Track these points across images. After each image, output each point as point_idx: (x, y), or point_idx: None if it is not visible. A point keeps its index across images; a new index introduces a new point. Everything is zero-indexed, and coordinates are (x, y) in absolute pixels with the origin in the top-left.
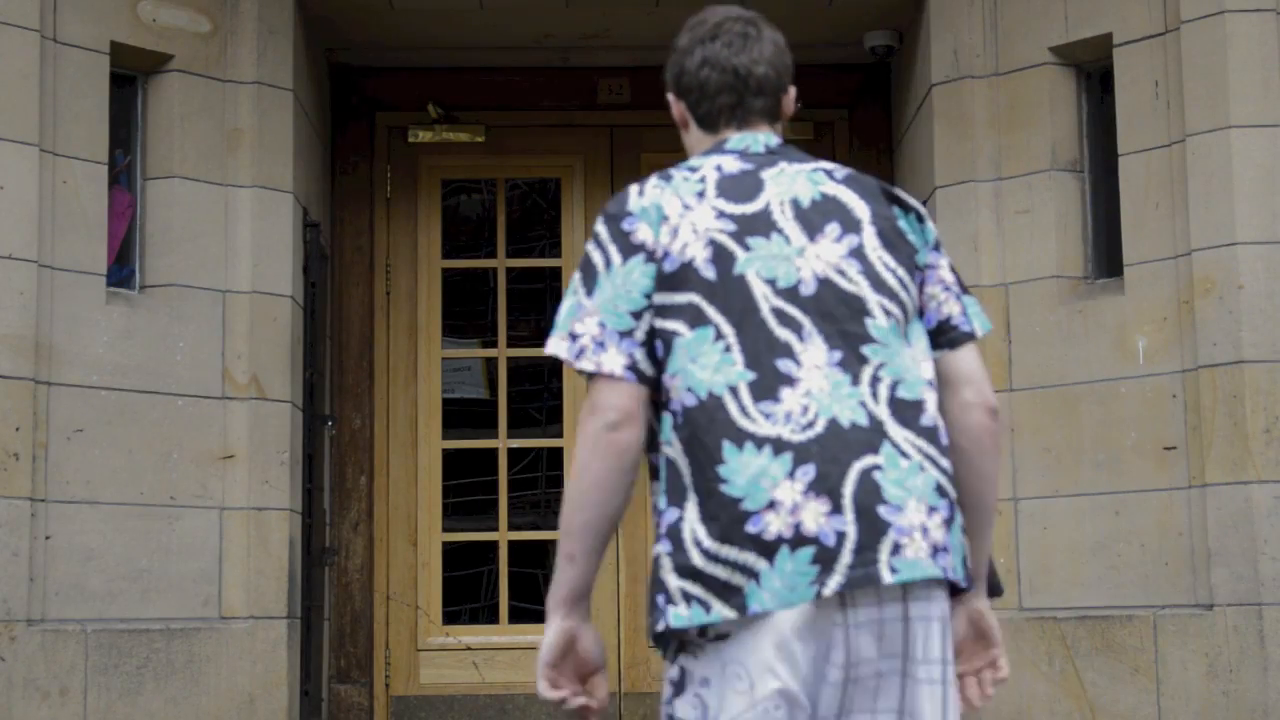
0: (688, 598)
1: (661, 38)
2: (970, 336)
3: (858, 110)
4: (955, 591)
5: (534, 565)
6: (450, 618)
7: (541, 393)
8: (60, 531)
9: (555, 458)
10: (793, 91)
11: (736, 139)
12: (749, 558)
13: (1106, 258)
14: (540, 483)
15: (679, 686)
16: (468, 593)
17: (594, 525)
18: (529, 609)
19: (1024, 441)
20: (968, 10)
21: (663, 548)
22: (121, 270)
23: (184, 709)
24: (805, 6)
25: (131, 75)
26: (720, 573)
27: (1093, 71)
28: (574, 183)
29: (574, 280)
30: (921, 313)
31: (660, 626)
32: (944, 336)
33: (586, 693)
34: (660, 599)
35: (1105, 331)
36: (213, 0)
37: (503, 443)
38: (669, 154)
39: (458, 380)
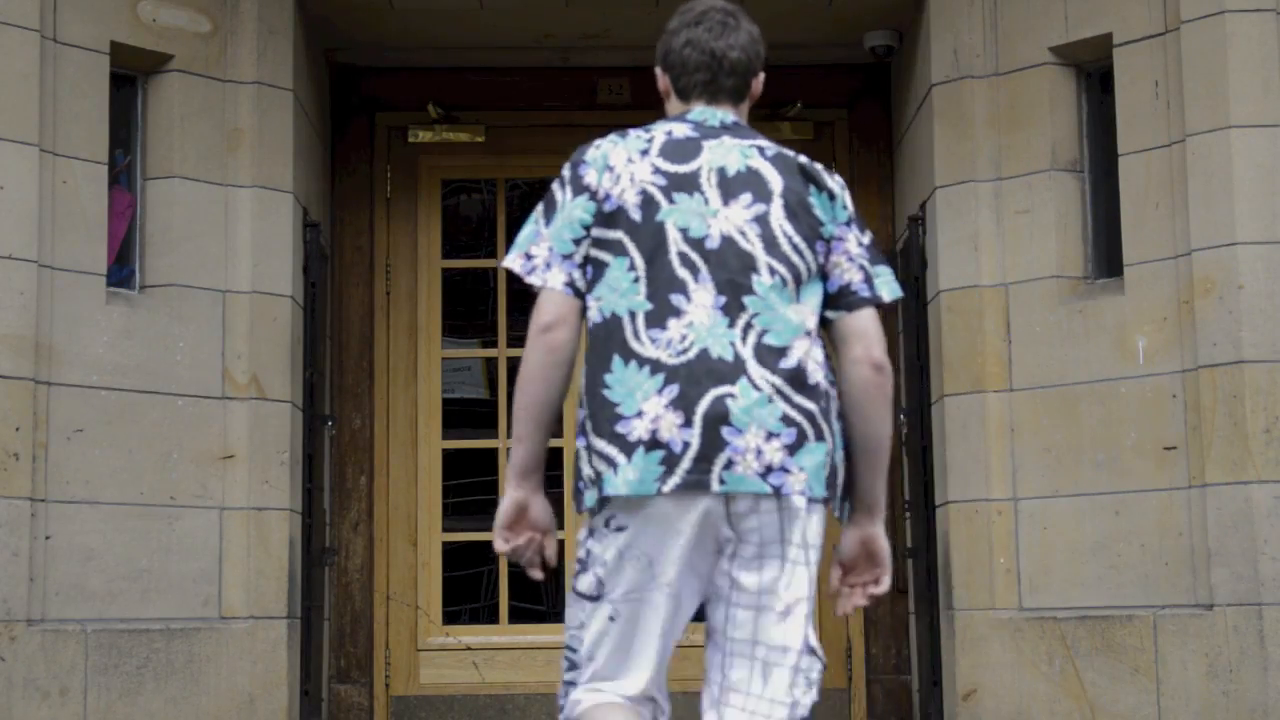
0: (592, 484)
1: None
2: (867, 302)
3: (858, 110)
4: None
5: None
6: (450, 618)
7: None
8: (60, 531)
9: (555, 457)
10: (761, 77)
11: (698, 111)
12: (613, 452)
13: (1106, 258)
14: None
15: (583, 565)
16: (468, 593)
17: (533, 408)
18: (529, 609)
19: (1024, 441)
20: (968, 10)
21: (579, 441)
22: (121, 270)
23: (184, 709)
24: (805, 6)
25: (131, 75)
26: (597, 463)
27: (1093, 71)
28: None
29: (537, 210)
30: (826, 277)
31: (580, 508)
32: (843, 300)
33: (537, 549)
34: (579, 484)
35: (1105, 331)
36: (213, 0)
37: (503, 443)
38: None
39: (458, 380)
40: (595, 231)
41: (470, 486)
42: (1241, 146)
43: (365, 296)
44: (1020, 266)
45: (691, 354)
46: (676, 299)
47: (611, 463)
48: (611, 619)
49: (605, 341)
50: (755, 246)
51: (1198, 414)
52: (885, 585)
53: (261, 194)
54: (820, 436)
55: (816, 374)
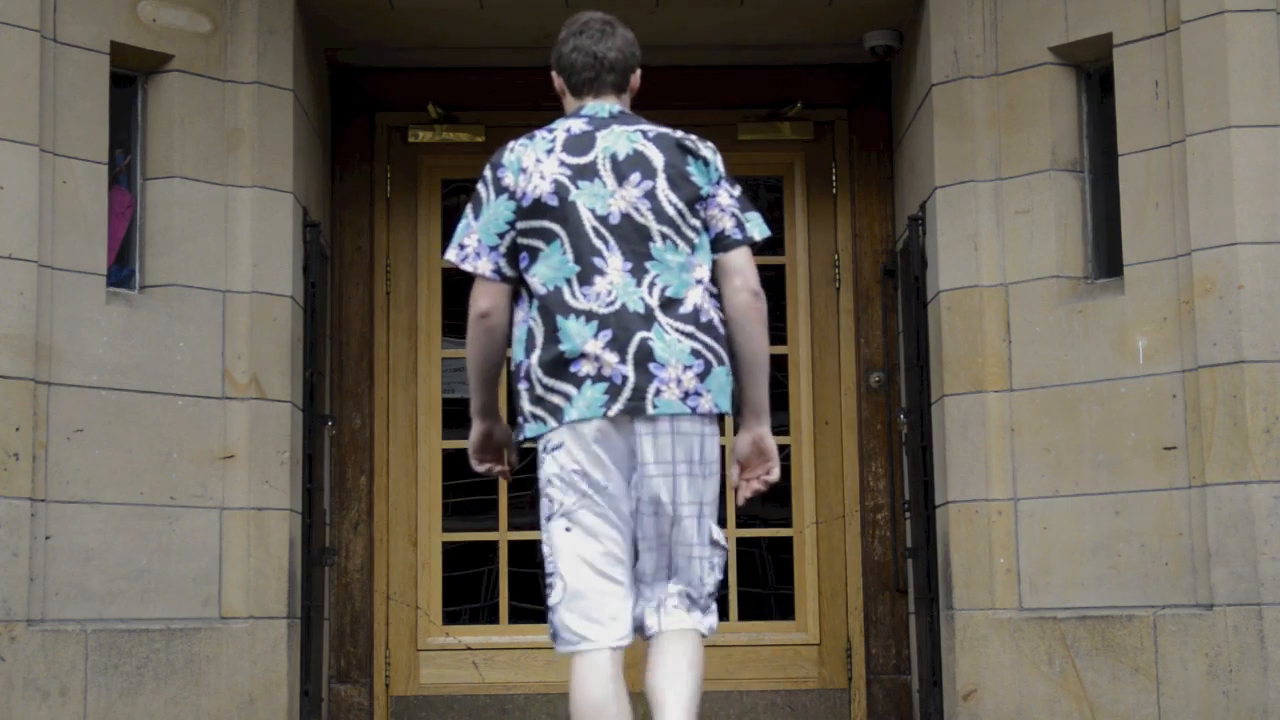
0: (535, 417)
1: (662, 38)
2: (740, 242)
3: (858, 110)
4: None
5: (534, 565)
6: (450, 618)
7: None
8: (60, 531)
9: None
10: (639, 73)
11: (590, 106)
12: (568, 388)
13: (1106, 258)
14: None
15: (539, 494)
16: (468, 593)
17: (483, 372)
18: (529, 609)
19: (1024, 441)
20: (968, 10)
21: (520, 385)
22: (121, 270)
23: (184, 709)
24: (805, 6)
25: (131, 75)
26: (551, 398)
27: (1093, 71)
28: None
29: (468, 206)
30: (708, 227)
31: (520, 438)
32: (720, 243)
33: (502, 461)
34: (520, 419)
35: (1105, 331)
36: (213, 0)
37: None
38: None
39: (458, 380)
40: (520, 224)
41: (470, 486)
42: (1241, 146)
43: (365, 296)
44: (1020, 266)
45: (616, 305)
46: (598, 262)
47: (566, 396)
48: (568, 530)
49: (552, 307)
50: (648, 219)
51: (1198, 414)
52: (775, 475)
53: (261, 194)
54: (720, 361)
55: (710, 313)
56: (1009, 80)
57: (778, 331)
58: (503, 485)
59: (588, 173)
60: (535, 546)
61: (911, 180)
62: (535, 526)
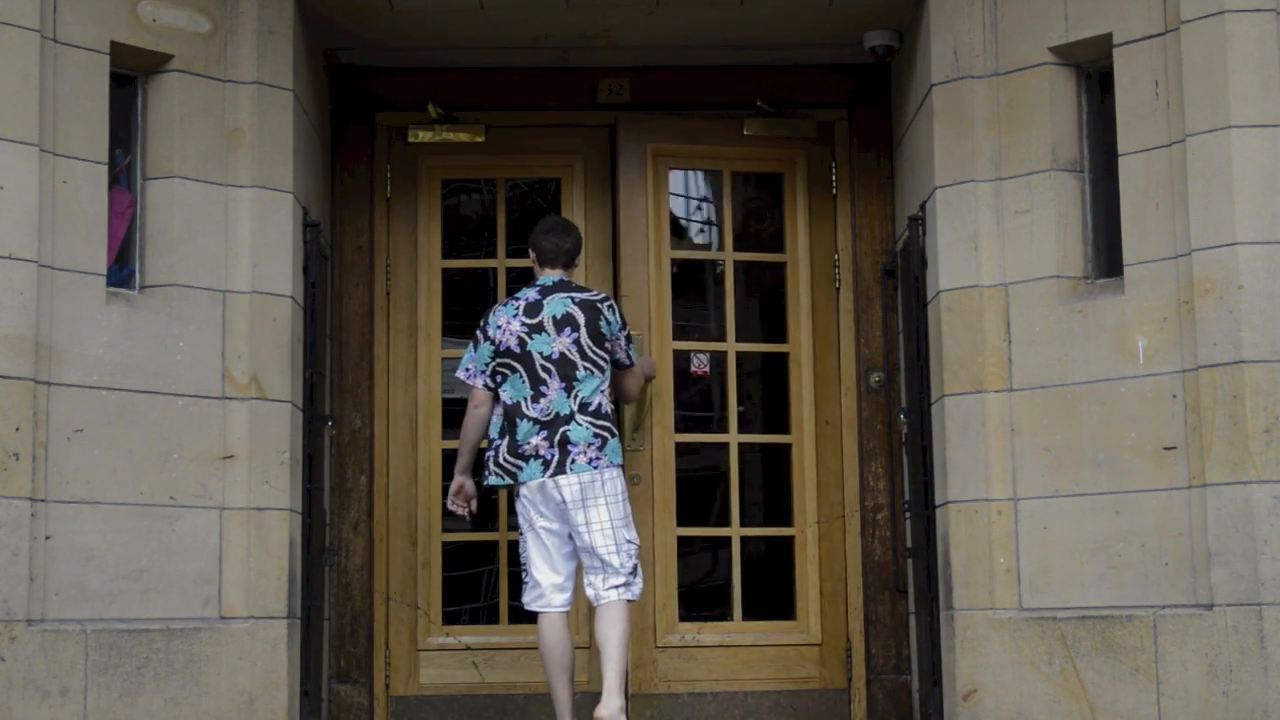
0: (498, 474)
1: (662, 37)
2: (628, 365)
3: (858, 110)
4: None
5: None
6: (450, 618)
7: None
8: (60, 531)
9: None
10: (581, 255)
11: (545, 276)
12: (520, 462)
13: (1106, 258)
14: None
15: (519, 520)
16: (468, 593)
17: (468, 443)
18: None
19: (1024, 441)
20: (968, 10)
21: (490, 453)
22: (121, 270)
23: (184, 709)
24: (805, 6)
25: (131, 75)
26: (510, 466)
27: (1093, 71)
28: (574, 183)
29: (470, 342)
30: (611, 357)
31: (486, 483)
32: (618, 365)
33: (468, 505)
34: (486, 472)
35: (1105, 331)
36: (213, 0)
37: None
38: (669, 154)
39: (458, 380)
40: (497, 361)
41: None
42: (1241, 146)
43: (365, 296)
44: (1020, 266)
45: (551, 414)
46: (543, 388)
47: (519, 467)
48: (529, 541)
49: (513, 413)
50: (575, 357)
51: (1198, 414)
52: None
53: (261, 194)
54: (613, 435)
55: (606, 406)
56: (1009, 80)
57: (778, 330)
58: None
59: (538, 329)
60: None
61: (911, 180)
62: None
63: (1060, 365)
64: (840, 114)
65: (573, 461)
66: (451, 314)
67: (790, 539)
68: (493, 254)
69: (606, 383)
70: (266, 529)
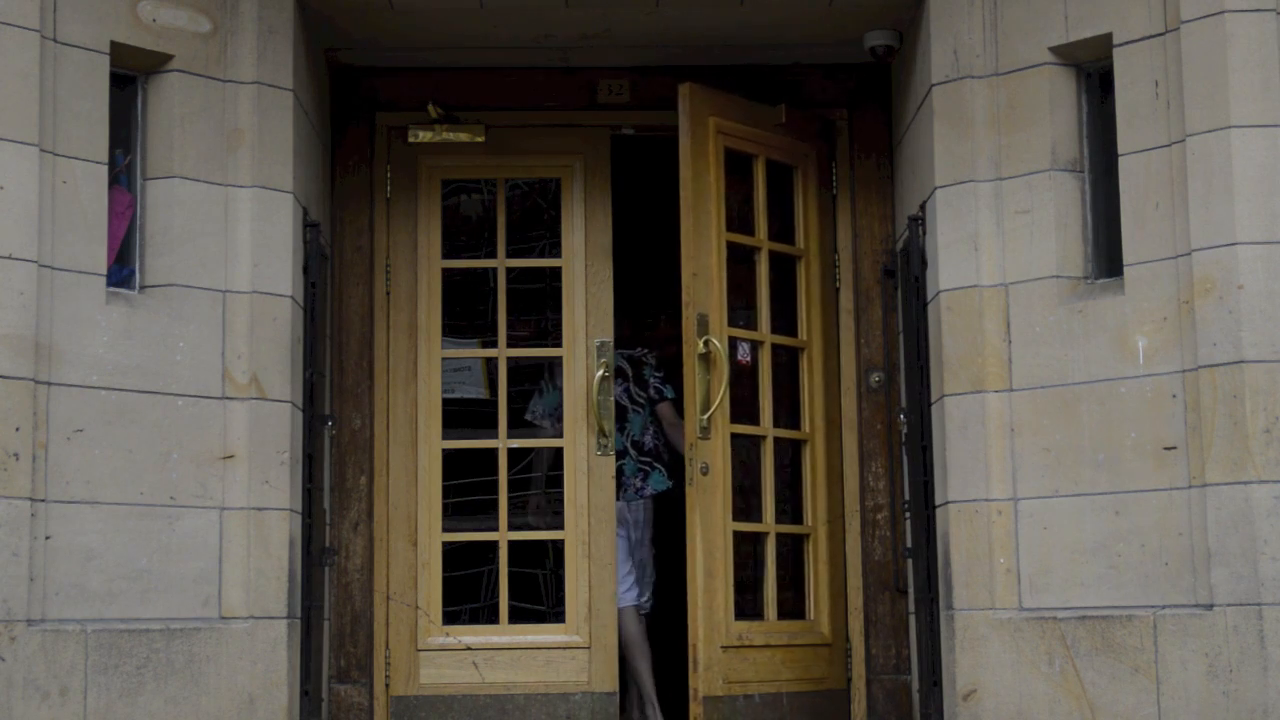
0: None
1: (662, 38)
2: (663, 399)
3: (858, 110)
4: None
5: (534, 565)
6: (450, 618)
7: None
8: (60, 531)
9: (556, 458)
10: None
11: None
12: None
13: (1106, 258)
14: (540, 483)
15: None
16: (468, 593)
17: None
18: (529, 609)
19: (1024, 441)
20: (968, 10)
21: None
22: (121, 270)
23: (184, 709)
24: (805, 6)
25: (131, 75)
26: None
27: (1093, 71)
28: (574, 183)
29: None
30: (650, 397)
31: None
32: (654, 402)
33: None
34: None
35: (1105, 331)
36: (213, 0)
37: (503, 443)
38: (726, 133)
39: (458, 380)
40: None
41: (470, 486)
42: (1241, 146)
43: (365, 296)
44: (1020, 266)
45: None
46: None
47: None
48: (619, 543)
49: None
50: (625, 403)
51: (1198, 414)
52: None
53: (261, 194)
54: (656, 468)
55: (651, 442)
56: (1009, 80)
57: (788, 324)
58: (502, 486)
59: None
60: (534, 547)
61: (911, 180)
62: (534, 527)
63: (1060, 365)
64: (840, 114)
65: (628, 489)
66: (451, 314)
67: (804, 536)
68: (493, 254)
69: (649, 419)
70: (266, 529)
